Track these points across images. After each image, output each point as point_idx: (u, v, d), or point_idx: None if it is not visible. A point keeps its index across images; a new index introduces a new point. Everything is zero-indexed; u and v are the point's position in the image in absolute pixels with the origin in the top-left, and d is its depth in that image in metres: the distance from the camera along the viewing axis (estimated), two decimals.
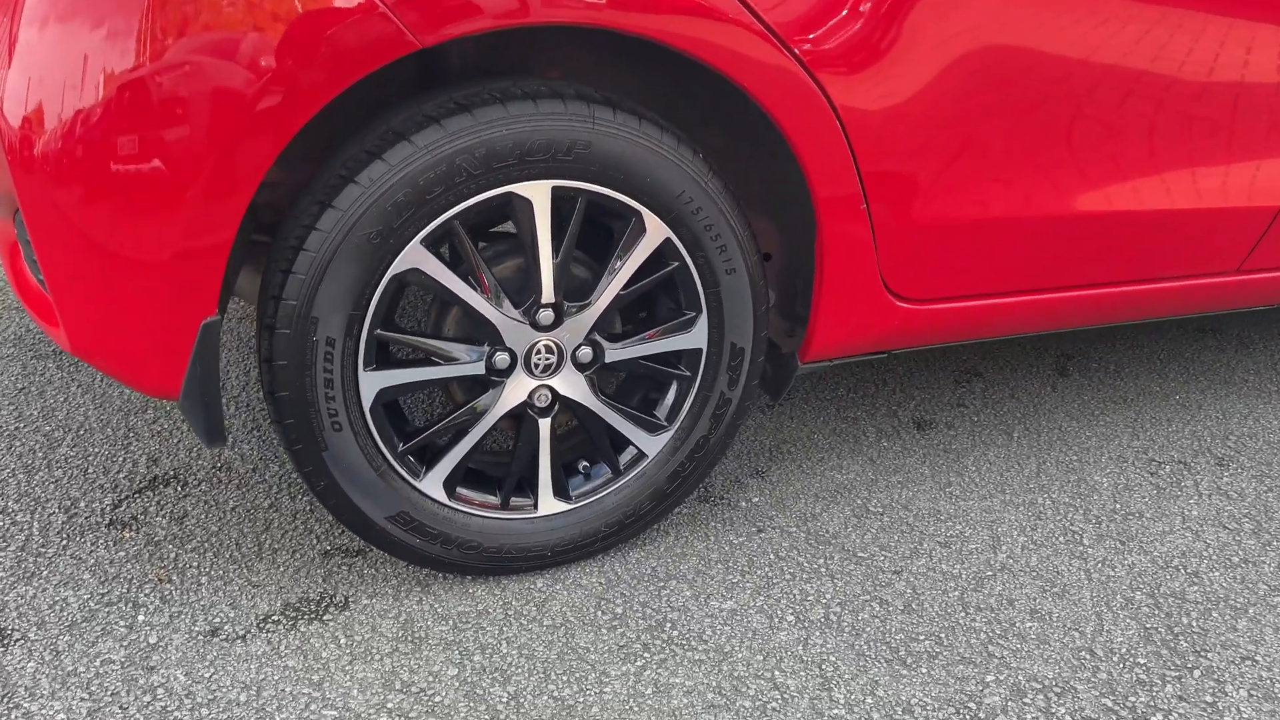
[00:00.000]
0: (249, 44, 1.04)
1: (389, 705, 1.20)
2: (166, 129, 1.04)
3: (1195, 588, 1.46)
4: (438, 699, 1.21)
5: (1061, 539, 1.56)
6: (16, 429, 1.78)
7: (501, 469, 1.40)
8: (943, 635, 1.34)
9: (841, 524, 1.57)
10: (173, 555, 1.45)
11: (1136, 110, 1.45)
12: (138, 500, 1.57)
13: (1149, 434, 1.88)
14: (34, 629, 1.30)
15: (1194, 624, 1.38)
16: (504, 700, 1.21)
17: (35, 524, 1.51)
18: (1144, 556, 1.52)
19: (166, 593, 1.37)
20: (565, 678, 1.25)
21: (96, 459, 1.68)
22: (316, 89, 1.07)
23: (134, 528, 1.51)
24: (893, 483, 1.69)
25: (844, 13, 1.23)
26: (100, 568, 1.42)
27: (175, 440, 1.75)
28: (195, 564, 1.43)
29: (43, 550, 1.45)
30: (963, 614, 1.39)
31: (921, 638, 1.34)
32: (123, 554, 1.45)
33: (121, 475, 1.64)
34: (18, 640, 1.27)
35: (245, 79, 1.04)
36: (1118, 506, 1.65)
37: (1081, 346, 2.20)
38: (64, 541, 1.47)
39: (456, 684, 1.23)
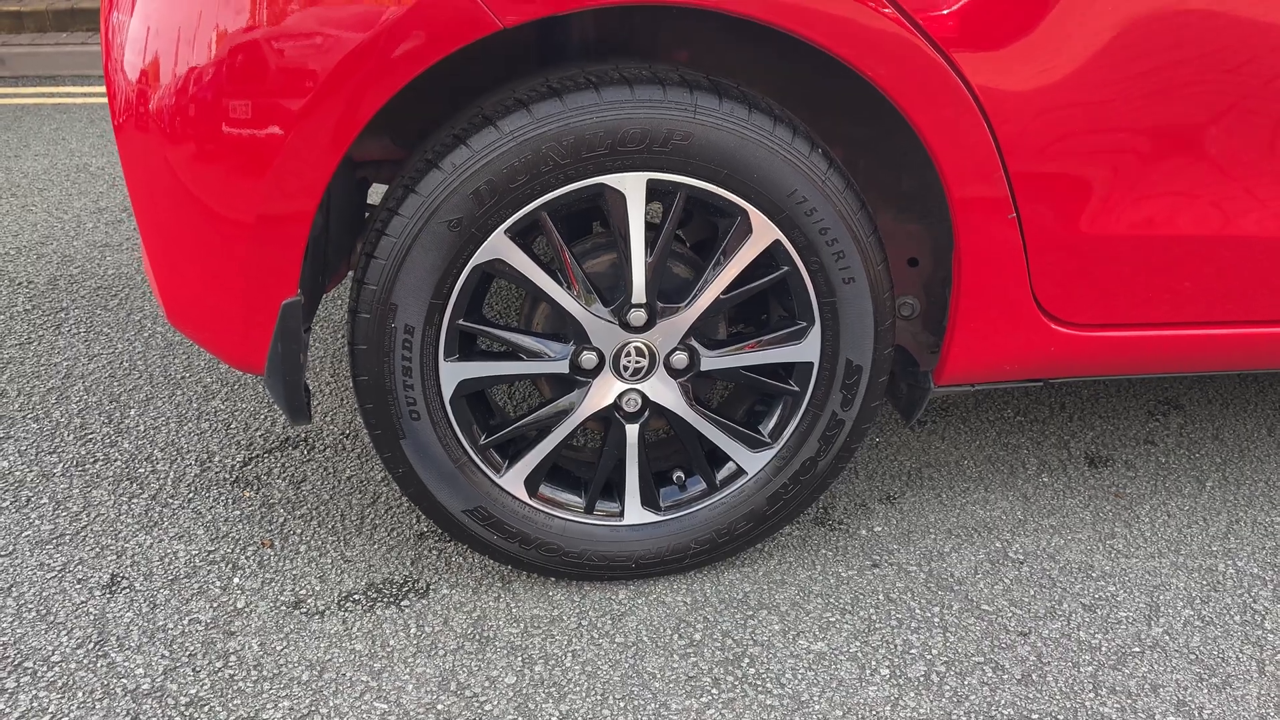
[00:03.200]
0: (334, 16, 1.01)
1: (439, 707, 1.17)
2: (251, 90, 1.03)
3: None
4: (488, 707, 1.17)
5: (1237, 618, 1.32)
6: (182, 378, 1.89)
7: (588, 470, 1.34)
8: (1060, 716, 1.16)
9: (971, 569, 1.40)
10: (281, 520, 1.49)
11: None
12: (265, 461, 1.63)
13: None
14: (141, 579, 1.36)
15: (1252, 704, 1.13)
16: (554, 718, 1.16)
17: (171, 474, 1.59)
18: None
19: (265, 558, 1.41)
20: (622, 704, 1.17)
21: (241, 415, 1.76)
22: (397, 65, 1.03)
23: (255, 488, 1.56)
24: (1044, 526, 1.49)
25: None
26: (214, 525, 1.47)
27: (315, 403, 1.80)
28: (298, 531, 1.46)
29: (170, 501, 1.53)
30: (1092, 694, 1.20)
31: (1035, 716, 1.17)
32: (238, 513, 1.50)
33: (259, 433, 1.71)
34: (124, 589, 1.34)
35: (324, 50, 1.01)
36: None
37: None
38: (190, 495, 1.54)
39: (510, 694, 1.19)
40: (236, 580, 1.37)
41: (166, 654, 1.24)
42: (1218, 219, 1.22)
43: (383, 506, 1.52)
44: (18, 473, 1.59)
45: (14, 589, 1.34)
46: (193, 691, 1.19)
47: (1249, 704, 1.19)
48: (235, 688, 1.19)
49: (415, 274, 1.14)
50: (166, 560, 1.40)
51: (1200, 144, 1.18)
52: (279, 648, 1.25)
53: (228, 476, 1.59)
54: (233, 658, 1.23)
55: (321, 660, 1.23)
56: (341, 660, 1.23)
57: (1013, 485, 1.59)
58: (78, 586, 1.35)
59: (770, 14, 1.04)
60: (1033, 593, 1.36)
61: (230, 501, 1.53)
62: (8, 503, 1.52)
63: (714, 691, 1.19)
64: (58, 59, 4.43)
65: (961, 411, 1.79)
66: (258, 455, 1.64)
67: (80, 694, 1.18)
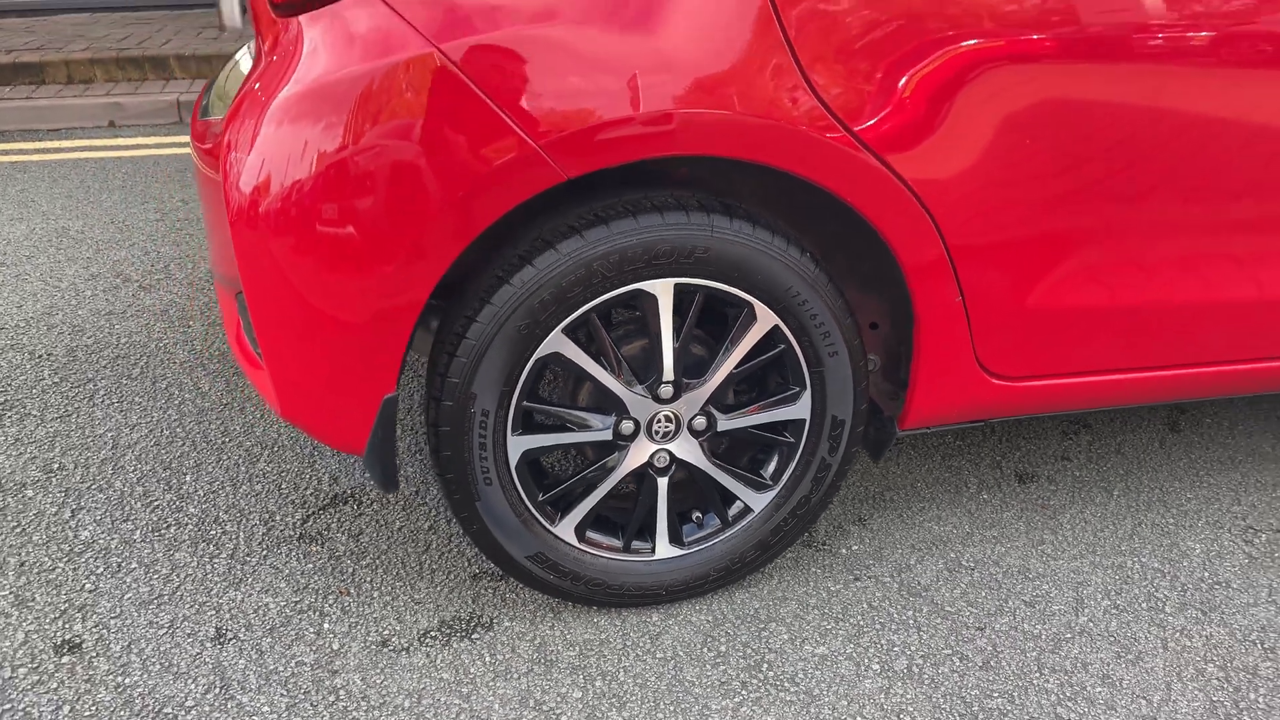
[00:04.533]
0: (436, 169, 1.26)
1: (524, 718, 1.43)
2: (369, 226, 1.27)
3: (1269, 664, 1.54)
4: (563, 718, 1.44)
5: (1144, 605, 1.66)
6: (224, 443, 2.10)
7: (625, 516, 1.61)
8: (1015, 694, 1.48)
9: (934, 577, 1.72)
10: (350, 570, 1.72)
11: (1233, 204, 1.52)
12: (321, 517, 1.86)
13: (1251, 499, 1.93)
14: (243, 630, 1.59)
15: (1260, 701, 1.47)
16: None
17: (241, 534, 1.81)
18: (1223, 628, 1.61)
19: (345, 605, 1.64)
20: (672, 708, 1.45)
21: (288, 475, 1.98)
22: (483, 210, 1.28)
23: (319, 542, 1.79)
24: (987, 537, 1.82)
25: (895, 91, 1.33)
26: (293, 578, 1.70)
27: (351, 461, 2.03)
28: (369, 579, 1.70)
29: (247, 559, 1.75)
30: (1037, 674, 1.52)
31: (995, 695, 1.48)
32: (310, 566, 1.73)
33: (309, 491, 1.93)
34: (231, 639, 1.57)
35: (428, 197, 1.26)
36: (1206, 575, 1.73)
37: (1197, 400, 2.24)
38: (264, 552, 1.77)
39: (580, 706, 1.46)
40: (326, 625, 1.60)
41: (284, 693, 1.47)
42: (1118, 289, 1.55)
43: (436, 553, 1.77)
44: (101, 541, 1.79)
45: (134, 645, 1.55)
46: None
47: (1157, 674, 1.52)
48: (350, 717, 1.43)
49: (491, 369, 1.40)
50: (260, 612, 1.63)
51: (1091, 224, 1.49)
52: (379, 681, 1.49)
53: (292, 533, 1.82)
54: (341, 692, 1.47)
55: (417, 689, 1.48)
56: (434, 688, 1.48)
57: (959, 503, 1.92)
58: (189, 640, 1.57)
59: (751, 154, 1.32)
60: (984, 594, 1.68)
61: (301, 556, 1.76)
62: (102, 569, 1.72)
63: (744, 693, 1.48)
64: (4, 114, 4.49)
65: (910, 439, 2.11)
66: (313, 512, 1.87)
67: None
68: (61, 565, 1.73)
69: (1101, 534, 1.83)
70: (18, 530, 1.82)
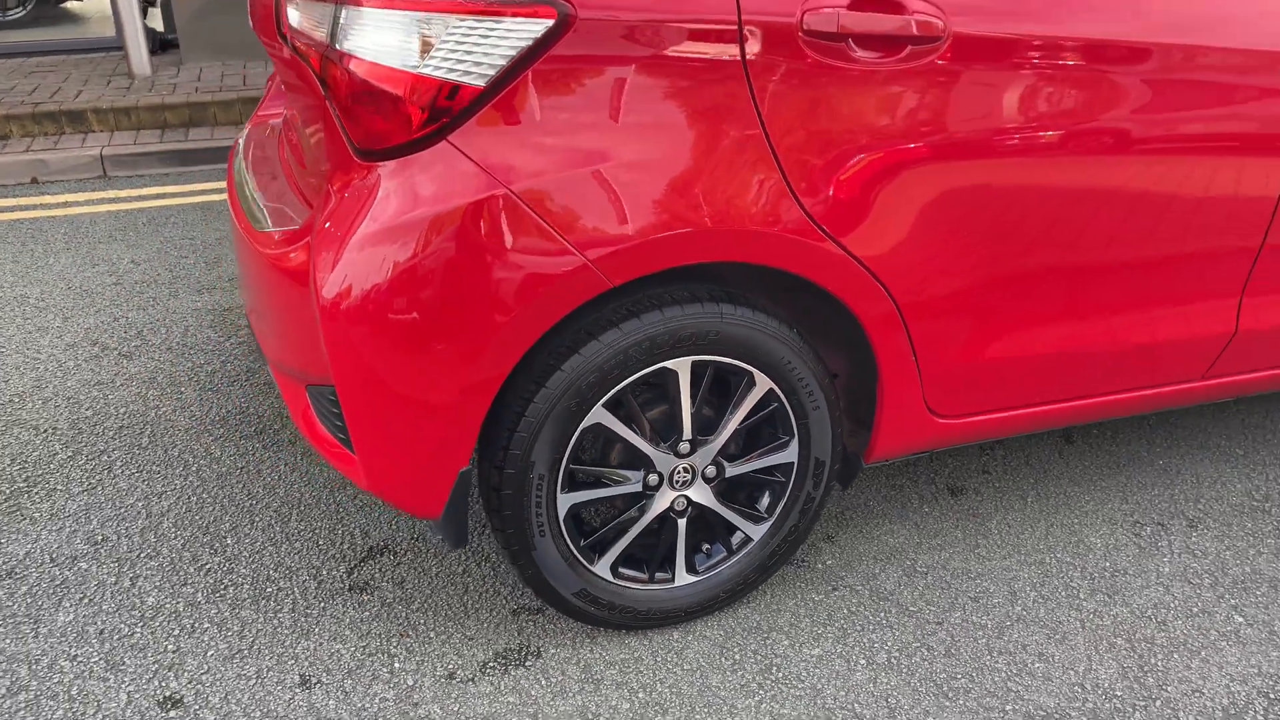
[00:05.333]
0: (508, 282, 1.53)
1: None
2: (442, 324, 1.54)
3: (1163, 634, 1.95)
4: None
5: (1063, 593, 2.05)
6: (252, 505, 2.30)
7: (648, 552, 1.91)
8: (974, 674, 1.85)
9: (896, 583, 2.07)
10: (403, 615, 1.97)
11: (1125, 269, 1.92)
12: (364, 568, 2.10)
13: (1135, 498, 2.36)
14: (324, 674, 1.82)
15: (1159, 663, 1.88)
16: None
17: (295, 589, 2.04)
18: (1125, 608, 2.01)
19: (409, 645, 1.89)
20: (705, 710, 1.76)
21: (321, 531, 2.21)
22: (549, 313, 1.56)
23: (368, 591, 2.03)
24: (933, 545, 2.19)
25: (850, 195, 1.66)
26: (355, 625, 1.94)
27: (376, 514, 2.27)
28: (422, 621, 1.95)
29: (308, 611, 1.98)
30: (988, 657, 1.89)
31: (959, 676, 1.84)
32: (366, 613, 1.97)
33: (345, 546, 2.16)
34: (317, 684, 1.80)
35: (499, 305, 1.54)
36: (1107, 564, 2.14)
37: None
38: (321, 604, 1.99)
39: (629, 715, 1.75)
40: (397, 665, 1.85)
41: None
42: (1028, 340, 1.93)
43: (475, 593, 2.03)
44: (168, 605, 1.99)
45: (230, 696, 1.77)
46: None
47: (1079, 649, 1.91)
48: None
49: (546, 440, 1.68)
50: (335, 658, 1.86)
51: (998, 286, 1.86)
52: (455, 709, 1.76)
53: (342, 585, 2.05)
54: None
55: (489, 713, 1.75)
56: (504, 710, 1.75)
57: (906, 516, 2.29)
58: (279, 687, 1.79)
59: (755, 258, 1.64)
60: (938, 593, 2.05)
61: (355, 605, 1.99)
62: (177, 631, 1.92)
63: (761, 692, 1.80)
64: None
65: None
66: (355, 564, 2.11)
67: None
68: (139, 630, 1.92)
69: (1023, 536, 2.23)
70: (86, 601, 1.99)
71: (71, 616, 1.96)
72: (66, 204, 4.34)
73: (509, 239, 1.52)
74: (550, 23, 1.48)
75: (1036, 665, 1.87)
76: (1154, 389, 2.14)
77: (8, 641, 1.89)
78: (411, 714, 1.74)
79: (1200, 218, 1.92)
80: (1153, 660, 1.89)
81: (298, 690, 1.79)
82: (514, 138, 1.52)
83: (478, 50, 1.49)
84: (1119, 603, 2.03)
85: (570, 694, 1.79)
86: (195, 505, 2.29)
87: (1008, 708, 1.78)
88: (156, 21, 6.71)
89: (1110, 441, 2.59)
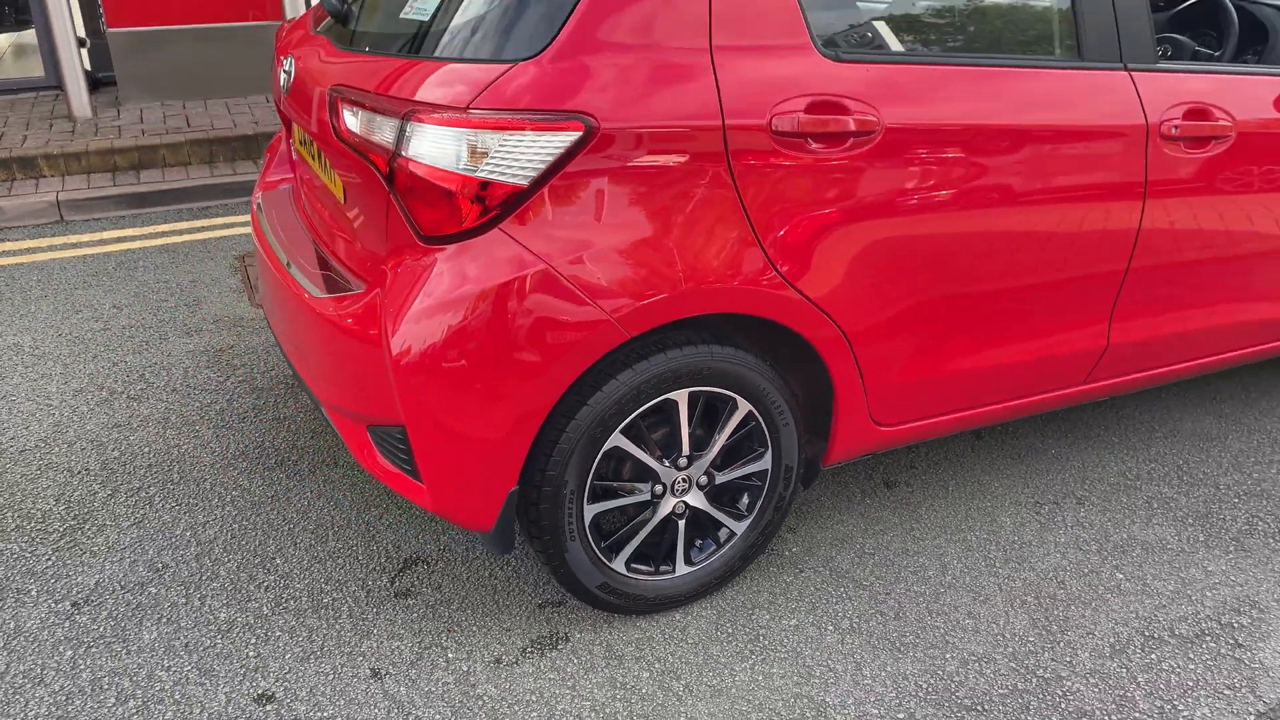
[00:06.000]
0: (555, 332, 1.91)
1: (617, 697, 2.11)
2: (494, 373, 1.92)
3: (1062, 591, 2.44)
4: (643, 690, 2.12)
5: (983, 563, 2.53)
6: (290, 529, 2.62)
7: (653, 549, 2.31)
8: (919, 632, 2.30)
9: (850, 563, 2.52)
10: (445, 614, 2.33)
11: (1021, 296, 2.40)
12: (404, 577, 2.44)
13: (1034, 483, 2.86)
14: (391, 667, 2.17)
15: (1060, 614, 2.36)
16: (680, 689, 2.13)
17: (348, 598, 2.37)
18: (1032, 572, 2.50)
19: (457, 638, 2.25)
20: (711, 673, 2.17)
21: (358, 548, 2.54)
22: (582, 359, 1.95)
23: (412, 596, 2.38)
24: (876, 530, 2.65)
25: (805, 248, 2.10)
26: (407, 625, 2.29)
27: (403, 530, 2.61)
28: (464, 619, 2.32)
29: (363, 616, 2.32)
30: (929, 617, 2.34)
31: (907, 634, 2.29)
32: (415, 615, 2.32)
33: (383, 559, 2.51)
34: (386, 675, 2.15)
35: (553, 350, 1.92)
36: (1016, 538, 2.63)
37: None
38: (374, 609, 2.34)
39: (650, 681, 2.15)
40: (450, 655, 2.21)
41: (446, 705, 2.07)
42: (950, 358, 2.40)
43: (503, 592, 2.40)
44: (240, 619, 2.30)
45: (315, 690, 2.10)
46: (483, 718, 2.05)
47: (999, 607, 2.38)
48: (504, 713, 2.06)
49: (577, 463, 2.06)
50: (397, 652, 2.21)
51: (920, 316, 2.32)
52: (508, 687, 2.13)
53: (388, 592, 2.39)
54: (485, 698, 2.10)
55: (537, 688, 2.12)
56: (547, 685, 2.13)
57: (851, 507, 2.74)
58: (354, 679, 2.13)
59: (740, 309, 2.05)
60: (885, 570, 2.50)
61: (404, 608, 2.34)
62: (253, 639, 2.24)
63: (754, 657, 2.22)
64: None
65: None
66: (395, 575, 2.45)
67: None
68: (219, 641, 2.24)
69: (947, 518, 2.70)
70: (164, 620, 2.30)
71: (155, 634, 2.26)
72: (31, 250, 4.50)
73: (550, 304, 1.91)
74: (579, 134, 1.87)
75: (967, 621, 2.33)
76: (1047, 394, 2.63)
77: (103, 659, 2.18)
78: (471, 694, 2.11)
79: (1075, 254, 2.41)
80: (1055, 612, 2.37)
81: (371, 681, 2.13)
82: (551, 224, 1.91)
83: (522, 157, 1.87)
84: (1027, 568, 2.52)
85: (599, 669, 2.18)
86: (239, 532, 2.60)
87: (947, 655, 2.24)
88: (85, 61, 6.78)
89: (1011, 437, 3.10)
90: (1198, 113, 2.44)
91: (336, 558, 2.51)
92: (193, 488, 2.79)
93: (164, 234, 4.71)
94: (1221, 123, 2.47)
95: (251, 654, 2.20)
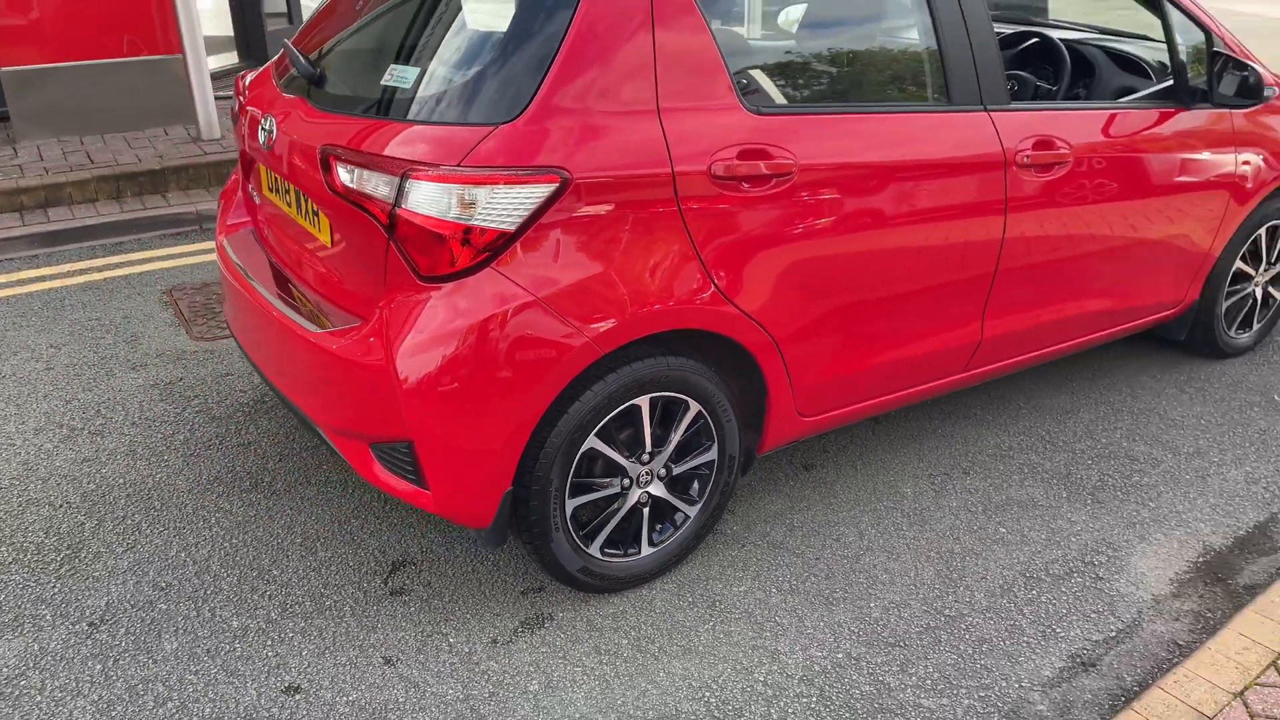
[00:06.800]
0: (544, 352, 2.25)
1: (603, 662, 2.45)
2: (489, 395, 2.24)
3: (959, 545, 2.91)
4: (624, 654, 2.48)
5: (892, 528, 2.98)
6: (280, 543, 2.87)
7: (621, 534, 2.66)
8: (847, 587, 2.73)
9: (784, 535, 2.93)
10: (439, 606, 2.63)
11: (912, 300, 2.86)
12: (396, 577, 2.73)
13: (928, 458, 3.35)
14: (401, 655, 2.46)
15: (958, 564, 2.83)
16: (655, 650, 2.49)
17: (348, 600, 2.64)
18: (933, 532, 2.97)
19: (455, 625, 2.56)
20: (680, 635, 2.54)
21: (348, 555, 2.81)
22: (567, 372, 2.29)
23: (406, 593, 2.67)
24: (801, 506, 3.07)
25: (737, 267, 2.52)
26: (407, 618, 2.58)
27: (385, 536, 2.89)
28: (458, 609, 2.62)
29: (365, 614, 2.60)
30: (853, 575, 2.78)
31: (837, 591, 2.72)
32: (412, 609, 2.62)
33: (372, 563, 2.78)
34: (398, 662, 2.44)
35: (542, 367, 2.25)
36: (917, 505, 3.10)
37: None
38: (374, 608, 2.62)
39: (630, 646, 2.50)
40: (452, 639, 2.51)
41: (457, 681, 2.38)
42: (859, 358, 2.84)
43: (488, 584, 2.71)
44: (253, 625, 2.55)
45: (337, 678, 2.38)
46: (490, 689, 2.36)
47: (909, 562, 2.84)
48: (508, 683, 2.38)
49: (560, 464, 2.41)
50: (404, 642, 2.50)
51: (833, 323, 2.76)
52: (508, 661, 2.45)
53: (383, 592, 2.68)
54: (491, 672, 2.41)
55: (533, 660, 2.45)
56: (541, 657, 2.46)
57: (779, 488, 3.16)
58: (370, 667, 2.42)
59: (689, 325, 2.44)
60: (814, 539, 2.92)
61: (401, 604, 2.63)
62: (270, 641, 2.49)
63: (713, 620, 2.60)
64: None
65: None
66: (387, 576, 2.73)
67: (434, 707, 2.30)
68: (238, 645, 2.48)
69: (859, 493, 3.15)
70: (182, 632, 2.52)
71: (176, 644, 2.48)
72: None
73: (538, 330, 2.25)
74: (555, 185, 2.22)
75: (884, 576, 2.78)
76: (935, 382, 3.11)
77: (133, 669, 2.40)
78: (476, 670, 2.42)
79: (954, 263, 2.89)
80: (954, 562, 2.84)
81: (385, 667, 2.42)
82: (534, 262, 2.25)
83: (508, 207, 2.20)
84: (928, 529, 2.98)
85: (584, 640, 2.52)
86: (231, 550, 2.83)
87: (871, 604, 2.67)
88: None
89: (905, 420, 3.58)
90: (1043, 143, 2.95)
91: (329, 565, 2.77)
92: (176, 513, 2.99)
93: (82, 271, 4.79)
94: (1062, 150, 2.99)
95: (271, 654, 2.46)
